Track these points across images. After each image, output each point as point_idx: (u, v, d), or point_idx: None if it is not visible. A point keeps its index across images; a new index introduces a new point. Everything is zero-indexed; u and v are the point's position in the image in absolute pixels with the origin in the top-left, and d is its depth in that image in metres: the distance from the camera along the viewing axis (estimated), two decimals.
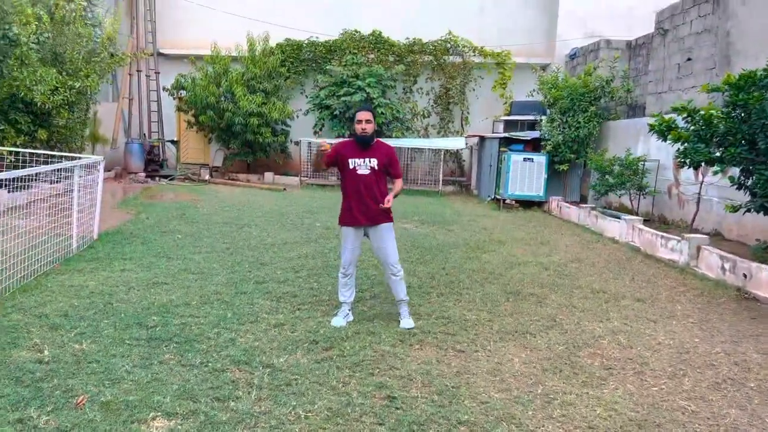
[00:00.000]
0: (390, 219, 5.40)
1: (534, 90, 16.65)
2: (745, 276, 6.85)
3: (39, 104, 10.30)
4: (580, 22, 18.24)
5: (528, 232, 11.03)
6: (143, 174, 17.29)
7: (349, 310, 5.46)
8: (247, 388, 3.87)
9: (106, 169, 17.04)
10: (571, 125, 14.10)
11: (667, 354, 4.88)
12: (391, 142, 17.50)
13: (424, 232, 10.51)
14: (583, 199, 14.50)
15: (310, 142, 18.44)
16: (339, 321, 5.30)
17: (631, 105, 14.48)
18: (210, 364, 4.21)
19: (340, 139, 17.47)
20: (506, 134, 15.69)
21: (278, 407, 3.63)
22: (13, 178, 7.25)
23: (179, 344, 4.56)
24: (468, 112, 19.65)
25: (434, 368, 4.37)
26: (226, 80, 17.34)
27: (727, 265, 7.22)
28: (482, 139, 17.44)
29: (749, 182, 7.01)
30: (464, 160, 19.80)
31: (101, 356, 4.22)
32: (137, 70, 18.95)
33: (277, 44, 18.87)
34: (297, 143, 18.60)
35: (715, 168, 7.18)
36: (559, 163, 14.41)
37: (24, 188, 8.98)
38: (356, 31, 19.03)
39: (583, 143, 14.02)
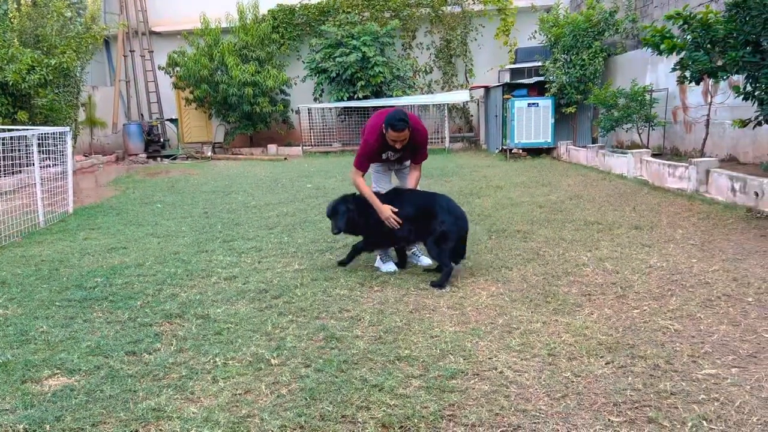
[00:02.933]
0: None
1: (535, 31, 15.79)
2: (756, 194, 6.19)
3: (12, 83, 10.00)
4: None
5: (530, 176, 10.41)
6: (144, 155, 17.07)
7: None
8: (170, 340, 3.48)
9: (108, 153, 16.94)
10: (575, 64, 13.28)
11: (657, 276, 4.33)
12: (392, 102, 16.96)
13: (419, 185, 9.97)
14: (594, 142, 13.72)
15: (309, 109, 17.98)
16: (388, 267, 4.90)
17: (637, 36, 13.55)
18: (138, 320, 3.83)
19: (343, 103, 17.03)
20: (508, 81, 14.94)
21: (198, 356, 3.24)
22: None
23: (113, 302, 4.20)
24: (472, 64, 18.85)
25: (389, 307, 3.92)
26: (217, 51, 16.89)
27: (737, 186, 6.55)
28: (487, 90, 16.70)
29: (756, 91, 6.28)
30: (472, 116, 19.06)
31: (23, 319, 3.87)
32: (130, 51, 18.64)
33: (268, 10, 18.33)
34: (297, 111, 18.12)
35: (717, 78, 6.45)
36: (566, 106, 13.64)
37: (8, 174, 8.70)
38: None
39: (590, 81, 13.20)
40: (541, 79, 14.25)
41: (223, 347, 3.35)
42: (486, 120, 16.98)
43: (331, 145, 18.25)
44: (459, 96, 17.65)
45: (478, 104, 18.10)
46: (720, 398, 2.59)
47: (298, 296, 4.21)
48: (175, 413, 2.62)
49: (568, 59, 13.40)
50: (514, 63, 17.00)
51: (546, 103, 13.86)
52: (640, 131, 10.90)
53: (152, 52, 18.79)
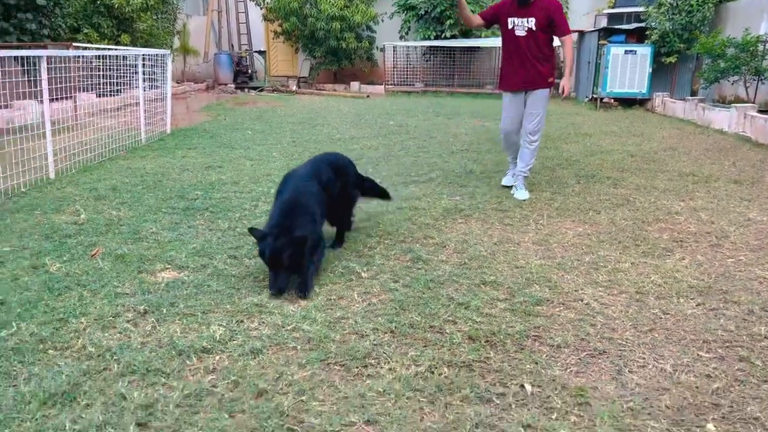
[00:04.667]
0: (548, 85, 5.10)
1: None
2: None
3: (117, 6, 10.45)
4: None
5: (622, 126, 10.01)
6: (233, 85, 17.54)
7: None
8: None
9: (199, 82, 17.52)
10: (681, 9, 12.40)
11: (756, 229, 4.16)
12: (480, 43, 16.52)
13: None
14: (694, 95, 12.93)
15: (395, 47, 17.78)
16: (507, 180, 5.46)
17: None
18: (237, 229, 4.08)
19: (429, 42, 16.79)
20: (605, 26, 14.17)
21: None
22: (103, 83, 7.38)
23: (213, 213, 4.48)
24: (567, 6, 17.91)
25: (473, 238, 3.99)
26: None
27: None
28: (581, 34, 15.91)
29: None
30: (563, 62, 18.25)
31: (134, 221, 4.22)
32: None
33: None
34: (382, 49, 17.96)
35: None
36: (667, 55, 12.85)
37: (114, 93, 9.25)
38: None
39: (696, 29, 12.32)
40: (642, 25, 13.42)
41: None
42: (577, 66, 16.26)
43: (413, 85, 18.08)
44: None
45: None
46: None
47: (384, 222, 4.34)
48: (276, 309, 2.83)
49: (675, 4, 12.52)
50: (614, 7, 16.07)
51: (645, 51, 13.09)
52: (747, 85, 10.16)
53: None
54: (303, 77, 19.16)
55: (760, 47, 9.80)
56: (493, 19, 5.15)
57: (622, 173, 6.11)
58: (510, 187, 5.36)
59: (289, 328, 2.65)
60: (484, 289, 3.12)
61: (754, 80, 10.02)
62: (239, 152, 7.15)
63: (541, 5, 4.88)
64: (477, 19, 5.17)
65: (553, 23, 4.90)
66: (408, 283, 3.17)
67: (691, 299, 3.00)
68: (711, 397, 2.16)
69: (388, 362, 2.36)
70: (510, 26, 4.98)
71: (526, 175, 5.23)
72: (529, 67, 5.00)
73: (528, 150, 5.17)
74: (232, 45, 19.19)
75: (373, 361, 2.37)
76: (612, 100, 13.53)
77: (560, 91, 5.12)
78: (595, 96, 13.68)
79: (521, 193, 5.10)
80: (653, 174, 6.03)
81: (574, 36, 16.34)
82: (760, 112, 9.27)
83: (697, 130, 9.46)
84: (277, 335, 2.57)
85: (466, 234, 4.09)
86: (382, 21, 18.05)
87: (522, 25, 4.93)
